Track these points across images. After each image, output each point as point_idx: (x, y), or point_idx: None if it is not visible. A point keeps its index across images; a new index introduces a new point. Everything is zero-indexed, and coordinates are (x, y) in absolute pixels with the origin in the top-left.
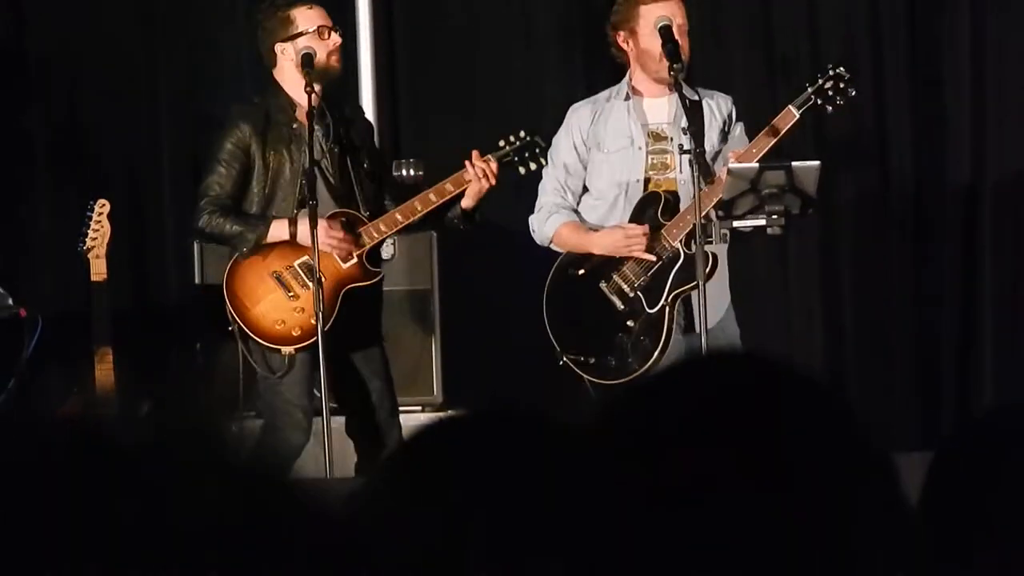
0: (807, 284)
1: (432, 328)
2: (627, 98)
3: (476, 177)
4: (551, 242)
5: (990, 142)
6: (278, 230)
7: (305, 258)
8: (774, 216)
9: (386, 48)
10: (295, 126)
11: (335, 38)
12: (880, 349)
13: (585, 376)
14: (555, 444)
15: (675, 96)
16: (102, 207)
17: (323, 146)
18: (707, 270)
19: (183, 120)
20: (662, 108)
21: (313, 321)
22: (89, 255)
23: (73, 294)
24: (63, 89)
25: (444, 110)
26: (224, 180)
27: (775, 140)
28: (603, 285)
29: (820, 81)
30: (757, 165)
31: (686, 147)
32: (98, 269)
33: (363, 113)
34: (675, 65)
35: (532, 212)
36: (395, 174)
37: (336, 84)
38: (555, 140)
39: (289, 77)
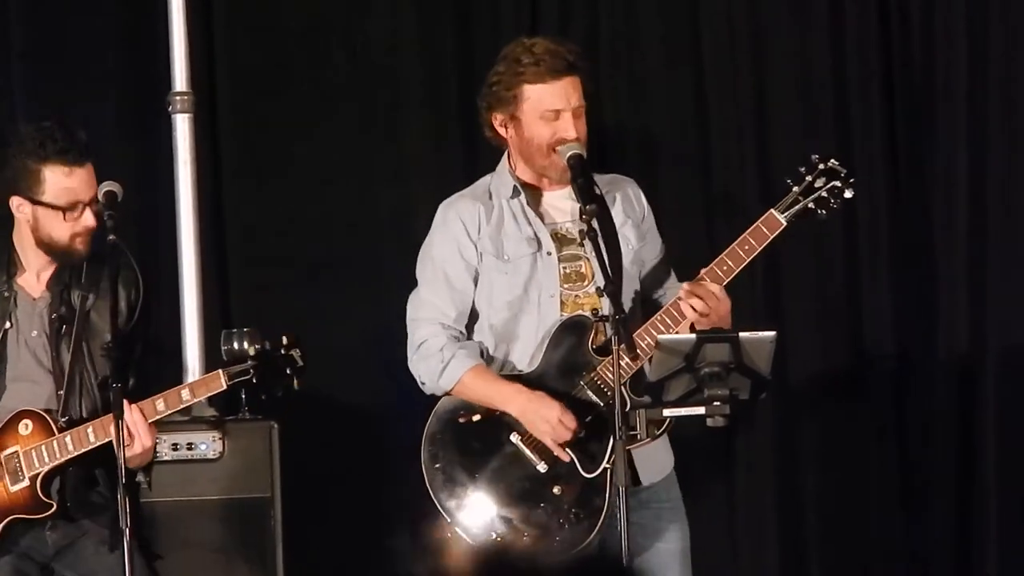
0: (759, 490)
1: (273, 543)
2: (515, 193)
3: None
4: (450, 392)
5: (991, 309)
6: None
7: (10, 450)
8: (716, 403)
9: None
10: (7, 293)
11: (86, 218)
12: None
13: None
14: None
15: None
16: None
17: (43, 318)
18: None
19: None
20: (563, 203)
21: None
22: None
23: None
24: None
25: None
26: None
27: (754, 253)
28: (516, 438)
29: (808, 178)
30: (694, 336)
31: (603, 313)
32: None
33: (133, 287)
34: (588, 207)
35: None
36: (223, 348)
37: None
38: (425, 249)
39: (23, 236)
